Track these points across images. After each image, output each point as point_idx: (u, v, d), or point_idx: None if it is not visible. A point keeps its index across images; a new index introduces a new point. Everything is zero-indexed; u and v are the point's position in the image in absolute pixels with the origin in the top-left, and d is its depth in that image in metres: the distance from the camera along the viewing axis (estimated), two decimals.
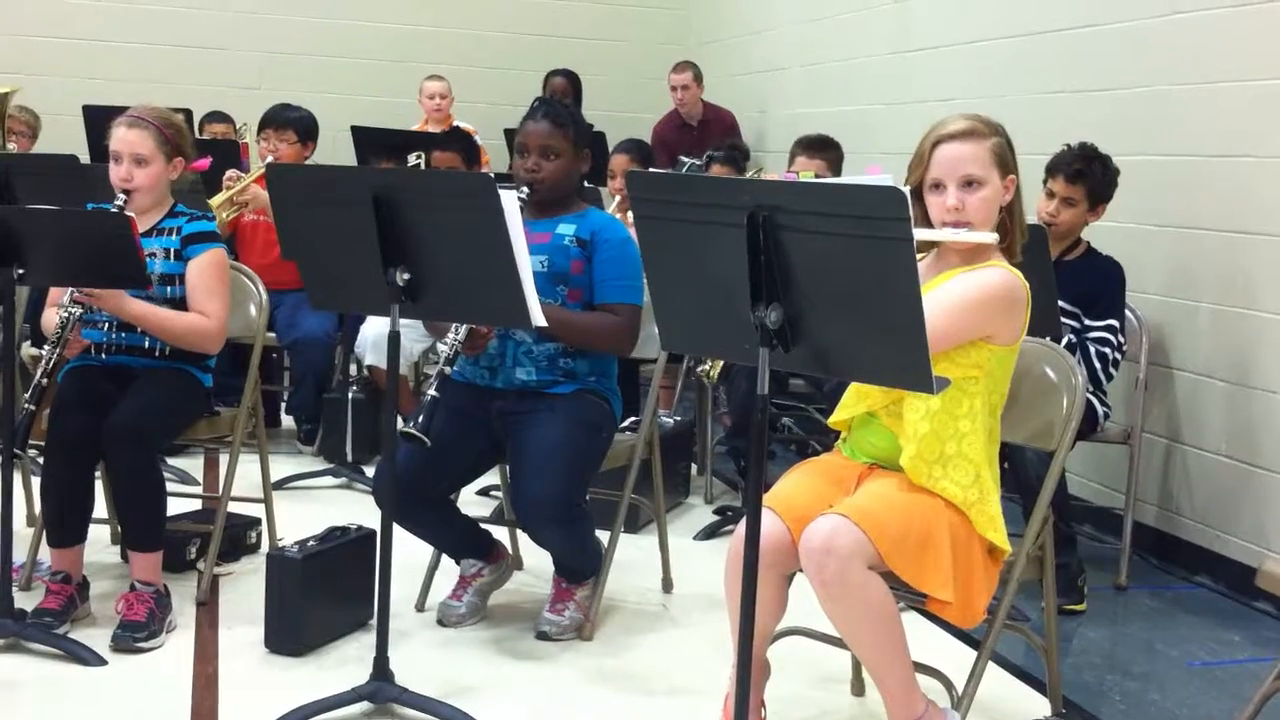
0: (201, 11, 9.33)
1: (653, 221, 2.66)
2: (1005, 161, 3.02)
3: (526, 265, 3.21)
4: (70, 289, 3.80)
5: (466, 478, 4.09)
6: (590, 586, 4.05)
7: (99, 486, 4.05)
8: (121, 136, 3.97)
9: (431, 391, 3.65)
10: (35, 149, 6.87)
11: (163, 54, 9.18)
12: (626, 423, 4.32)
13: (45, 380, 3.79)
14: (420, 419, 3.58)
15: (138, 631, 3.73)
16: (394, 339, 3.34)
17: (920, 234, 2.92)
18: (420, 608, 4.13)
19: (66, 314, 3.82)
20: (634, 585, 4.42)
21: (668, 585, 4.46)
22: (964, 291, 2.95)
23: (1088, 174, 4.61)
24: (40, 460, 3.97)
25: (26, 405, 3.73)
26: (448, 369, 3.71)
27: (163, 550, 3.93)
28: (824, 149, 5.80)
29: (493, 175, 3.90)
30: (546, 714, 3.50)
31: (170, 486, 4.09)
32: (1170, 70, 5.05)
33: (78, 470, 3.86)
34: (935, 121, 3.08)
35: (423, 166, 6.20)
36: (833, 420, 3.22)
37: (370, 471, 5.50)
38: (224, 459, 4.44)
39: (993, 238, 2.96)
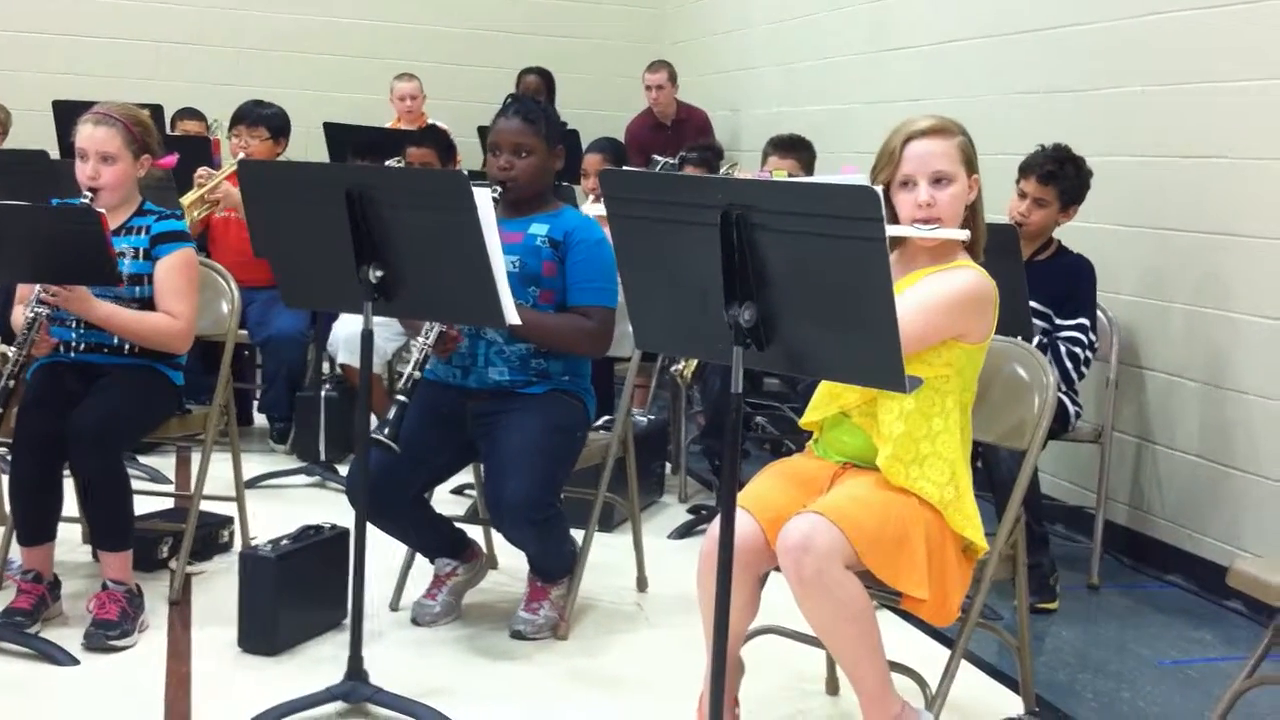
0: (174, 7, 9.30)
1: (627, 220, 2.66)
2: (970, 160, 3.05)
3: (500, 263, 3.21)
4: (37, 288, 3.78)
5: (440, 477, 4.08)
6: (565, 585, 4.04)
7: (70, 485, 4.02)
8: (88, 134, 3.93)
9: (400, 397, 3.64)
10: (5, 145, 6.82)
11: (134, 49, 9.14)
12: (600, 421, 4.32)
13: (13, 382, 3.75)
14: (390, 425, 3.57)
15: (110, 630, 3.71)
16: (367, 337, 3.33)
17: (894, 230, 2.94)
18: (394, 607, 4.12)
19: (33, 314, 3.78)
20: (608, 584, 4.42)
21: (642, 584, 4.46)
22: (936, 293, 2.96)
23: (1060, 175, 4.62)
24: (9, 458, 3.94)
25: None
26: (417, 373, 3.70)
27: (132, 549, 3.91)
28: (796, 149, 5.81)
29: (465, 172, 3.89)
30: (521, 713, 3.49)
31: (141, 485, 4.07)
32: (1143, 71, 5.07)
33: (44, 468, 3.83)
34: (899, 122, 3.09)
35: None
36: (804, 421, 3.22)
37: (343, 470, 5.48)
38: (196, 457, 4.42)
39: (964, 234, 2.98)
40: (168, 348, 3.99)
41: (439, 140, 6.25)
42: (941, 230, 2.98)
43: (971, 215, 3.06)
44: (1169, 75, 4.95)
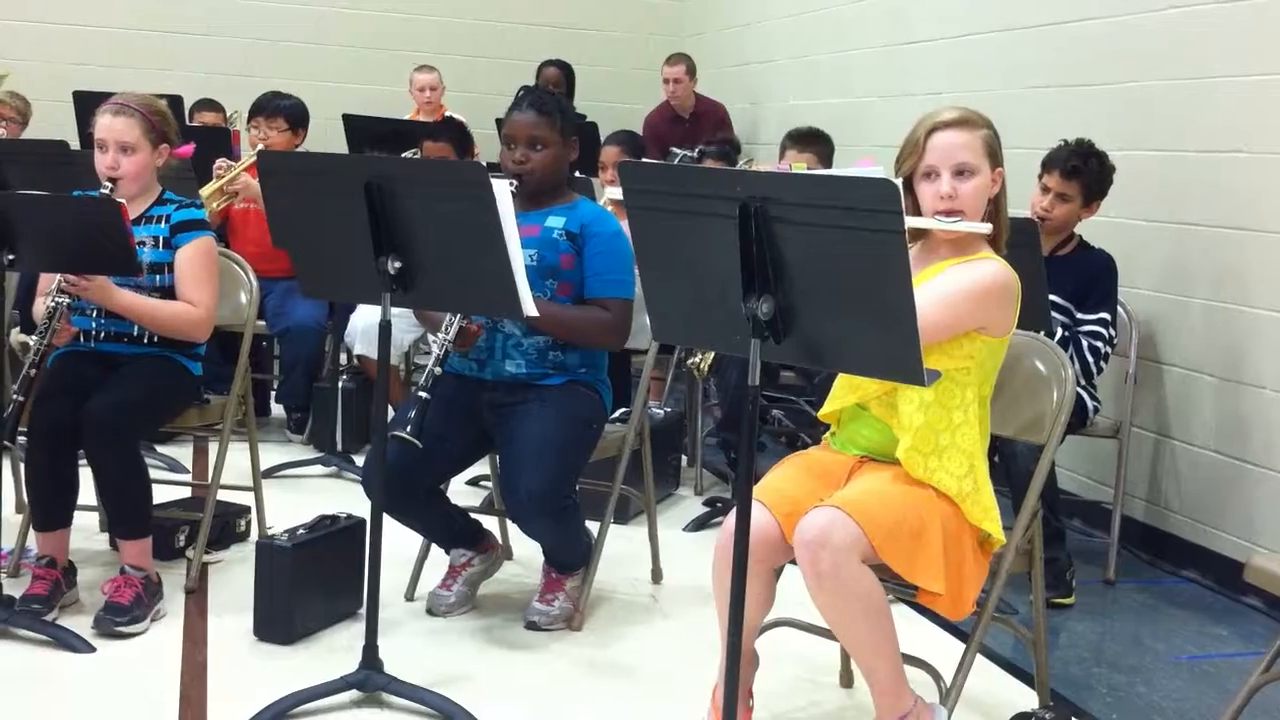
0: None
1: (645, 213, 2.66)
2: (995, 153, 3.04)
3: (518, 255, 3.20)
4: (58, 278, 3.79)
5: (456, 468, 4.09)
6: (580, 577, 4.05)
7: (87, 472, 4.03)
8: (107, 124, 3.95)
9: (423, 393, 3.64)
10: (25, 135, 6.83)
11: (153, 39, 9.16)
12: (617, 413, 4.32)
13: (34, 371, 3.77)
14: (411, 421, 3.58)
15: (119, 615, 3.72)
16: (385, 328, 3.33)
17: (915, 222, 2.93)
18: (410, 597, 4.13)
19: (54, 304, 3.80)
20: (623, 576, 4.43)
21: (657, 576, 4.47)
22: (960, 284, 2.96)
23: (1084, 170, 4.61)
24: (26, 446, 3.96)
25: (15, 397, 3.71)
26: (438, 369, 3.71)
27: (150, 537, 3.92)
28: (814, 142, 5.81)
29: (484, 164, 3.89)
30: (535, 704, 3.50)
31: (159, 474, 4.08)
32: (1162, 65, 5.05)
33: (60, 456, 3.84)
34: (925, 113, 3.09)
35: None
36: (823, 412, 3.22)
37: (360, 460, 5.50)
38: (213, 447, 4.44)
39: (986, 228, 2.97)
40: (188, 336, 4.00)
41: (455, 133, 6.25)
42: (963, 223, 2.97)
43: (995, 209, 3.06)
44: (1187, 70, 4.92)
